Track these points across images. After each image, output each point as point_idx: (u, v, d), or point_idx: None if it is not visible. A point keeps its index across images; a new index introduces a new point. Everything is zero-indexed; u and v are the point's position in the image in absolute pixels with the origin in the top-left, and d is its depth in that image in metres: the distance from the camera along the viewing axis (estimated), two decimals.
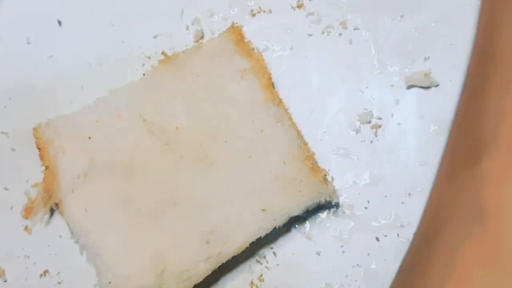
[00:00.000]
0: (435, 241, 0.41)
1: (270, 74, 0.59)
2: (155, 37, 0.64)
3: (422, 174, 0.57)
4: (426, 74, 0.59)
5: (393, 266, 0.54)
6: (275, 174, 0.55)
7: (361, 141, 0.59)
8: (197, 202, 0.54)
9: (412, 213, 0.56)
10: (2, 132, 0.63)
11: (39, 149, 0.58)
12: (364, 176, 0.58)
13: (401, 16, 0.61)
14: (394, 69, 0.60)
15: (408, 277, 0.43)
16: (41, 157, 0.58)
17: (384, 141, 0.58)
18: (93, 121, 0.57)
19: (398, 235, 0.55)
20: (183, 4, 0.65)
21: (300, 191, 0.54)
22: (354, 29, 0.62)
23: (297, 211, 0.54)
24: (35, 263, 0.57)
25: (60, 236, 0.58)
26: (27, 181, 0.60)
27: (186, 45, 0.63)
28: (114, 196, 0.55)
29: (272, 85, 0.59)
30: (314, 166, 0.55)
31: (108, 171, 0.55)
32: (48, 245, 0.58)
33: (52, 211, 0.58)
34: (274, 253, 0.56)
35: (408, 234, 0.55)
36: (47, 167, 0.58)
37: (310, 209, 0.55)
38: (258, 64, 0.59)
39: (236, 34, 0.60)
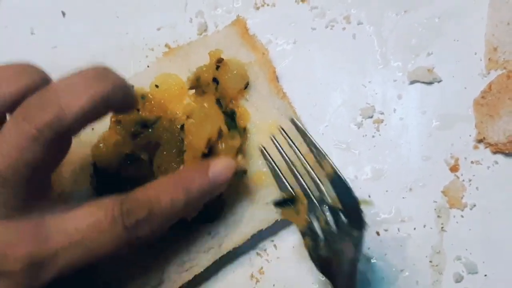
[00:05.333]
0: None
1: (274, 67, 0.59)
2: (158, 29, 0.64)
3: (423, 169, 0.57)
4: (429, 70, 0.59)
5: (393, 260, 0.55)
6: None
7: (363, 136, 0.59)
8: None
9: (413, 208, 0.56)
10: None
11: None
12: (366, 170, 0.58)
13: (405, 11, 0.61)
14: (397, 64, 0.60)
15: None
16: None
17: (386, 136, 0.58)
18: None
19: (398, 229, 0.56)
20: None
21: None
22: (358, 24, 0.62)
23: None
24: None
25: None
26: None
27: (189, 38, 0.63)
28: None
29: (276, 78, 0.59)
30: None
31: None
32: None
33: None
34: (274, 245, 0.56)
35: (409, 229, 0.55)
36: None
37: None
38: (264, 58, 0.58)
39: (241, 26, 0.59)
